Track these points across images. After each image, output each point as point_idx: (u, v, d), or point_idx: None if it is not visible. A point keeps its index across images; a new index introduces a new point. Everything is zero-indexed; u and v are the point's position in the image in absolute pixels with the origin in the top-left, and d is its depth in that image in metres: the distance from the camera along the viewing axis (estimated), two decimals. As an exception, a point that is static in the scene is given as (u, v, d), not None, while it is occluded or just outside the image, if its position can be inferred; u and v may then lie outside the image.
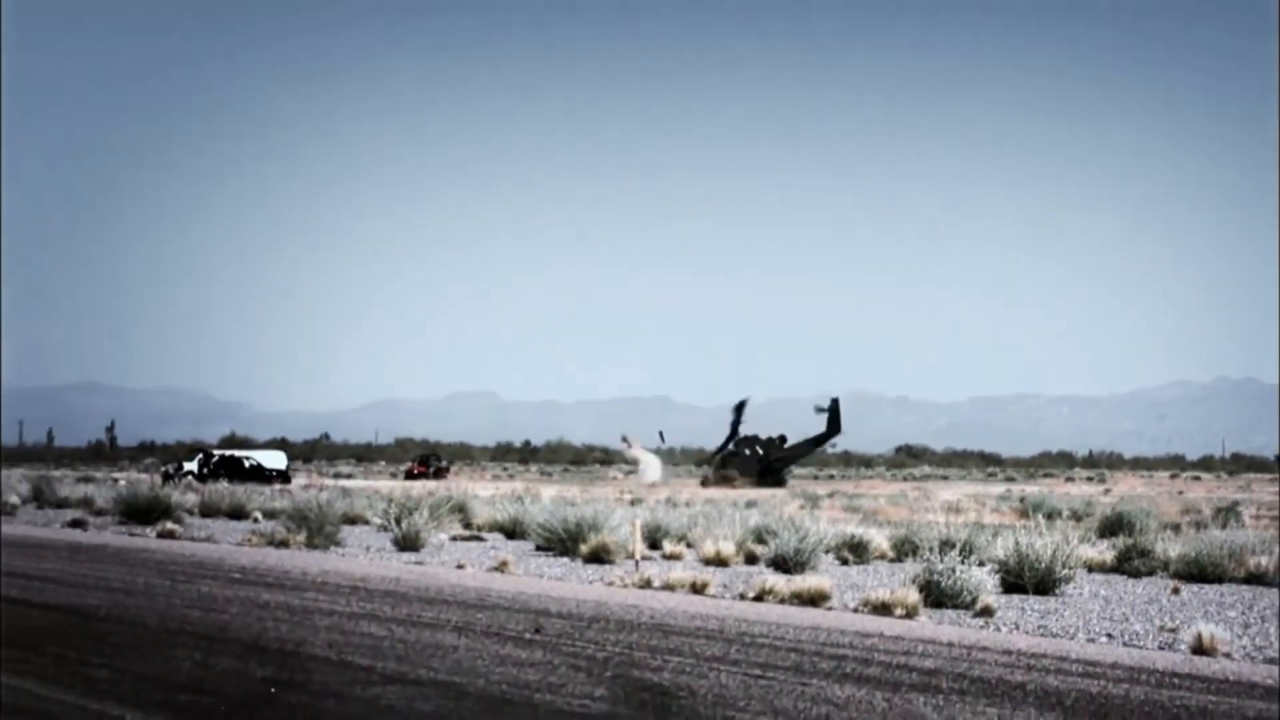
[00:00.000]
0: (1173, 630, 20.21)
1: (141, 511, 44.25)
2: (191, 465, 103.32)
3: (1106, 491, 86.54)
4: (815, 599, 23.40)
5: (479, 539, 38.72)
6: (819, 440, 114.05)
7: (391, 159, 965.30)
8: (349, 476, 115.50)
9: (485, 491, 70.73)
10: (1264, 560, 28.59)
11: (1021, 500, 63.74)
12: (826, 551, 31.15)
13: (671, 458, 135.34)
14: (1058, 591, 25.38)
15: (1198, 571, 28.50)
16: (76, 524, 42.56)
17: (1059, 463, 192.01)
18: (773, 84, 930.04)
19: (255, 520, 44.99)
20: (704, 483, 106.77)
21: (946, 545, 26.46)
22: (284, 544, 34.79)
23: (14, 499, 52.71)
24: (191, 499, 52.78)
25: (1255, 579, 28.02)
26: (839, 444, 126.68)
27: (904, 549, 32.12)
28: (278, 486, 79.68)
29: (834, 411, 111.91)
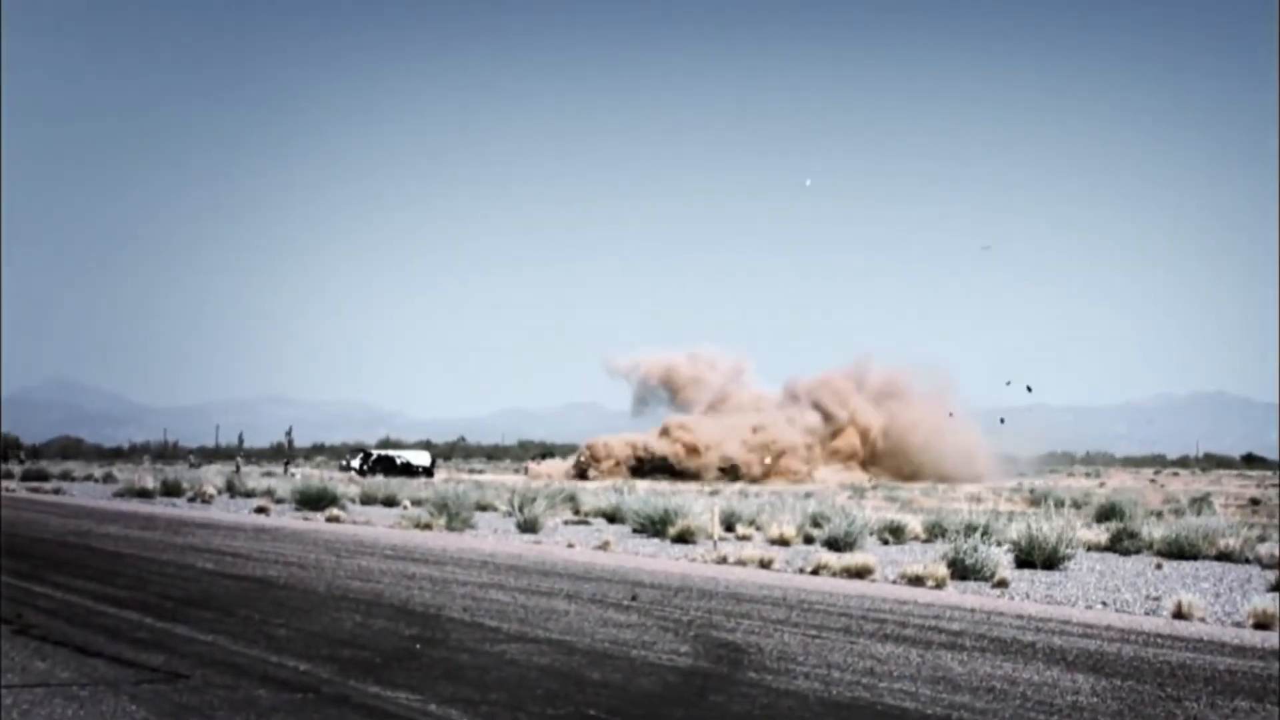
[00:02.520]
0: (1156, 599, 20.01)
1: (313, 500, 44.54)
2: (354, 462, 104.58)
3: (1101, 485, 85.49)
4: (861, 573, 23.26)
5: (586, 523, 38.73)
6: None
7: (523, 194, 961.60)
8: (481, 472, 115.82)
9: (591, 485, 70.86)
10: (1232, 541, 28.40)
11: (1031, 491, 63.23)
12: (871, 534, 30.98)
13: None
14: (1061, 567, 25.14)
15: (1177, 550, 28.25)
16: (261, 510, 42.89)
17: (1062, 461, 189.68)
18: (779, 88, 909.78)
19: (405, 507, 45.15)
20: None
21: (970, 528, 26.33)
22: (428, 527, 34.91)
23: (211, 490, 53.18)
24: (354, 490, 53.13)
25: (1224, 556, 27.85)
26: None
27: (934, 532, 31.93)
28: (423, 479, 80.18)
29: None
